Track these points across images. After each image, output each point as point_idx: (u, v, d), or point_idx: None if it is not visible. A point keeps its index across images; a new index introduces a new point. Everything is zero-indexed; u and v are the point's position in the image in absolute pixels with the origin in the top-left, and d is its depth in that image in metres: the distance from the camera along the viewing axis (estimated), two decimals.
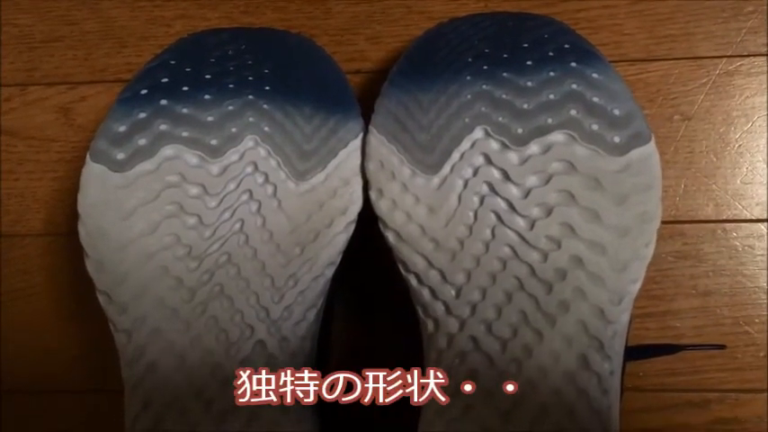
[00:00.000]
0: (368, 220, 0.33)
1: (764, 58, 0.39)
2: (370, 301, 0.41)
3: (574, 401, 0.29)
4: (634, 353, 0.37)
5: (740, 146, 0.39)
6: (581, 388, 0.29)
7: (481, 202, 0.31)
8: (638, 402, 0.38)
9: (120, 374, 0.32)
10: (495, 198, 0.31)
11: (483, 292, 0.30)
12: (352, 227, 0.33)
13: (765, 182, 0.38)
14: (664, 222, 0.39)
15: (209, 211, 0.32)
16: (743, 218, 0.39)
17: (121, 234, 0.31)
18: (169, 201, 0.32)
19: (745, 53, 0.39)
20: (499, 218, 0.31)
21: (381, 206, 0.32)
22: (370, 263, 0.39)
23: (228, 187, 0.32)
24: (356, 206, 0.33)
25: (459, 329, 0.30)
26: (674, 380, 0.38)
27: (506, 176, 0.31)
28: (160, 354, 0.30)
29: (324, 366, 0.36)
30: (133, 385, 0.31)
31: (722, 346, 0.38)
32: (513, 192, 0.31)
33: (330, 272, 0.33)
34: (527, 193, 0.31)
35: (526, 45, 0.33)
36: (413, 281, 0.32)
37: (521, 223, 0.31)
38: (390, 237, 0.32)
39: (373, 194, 0.32)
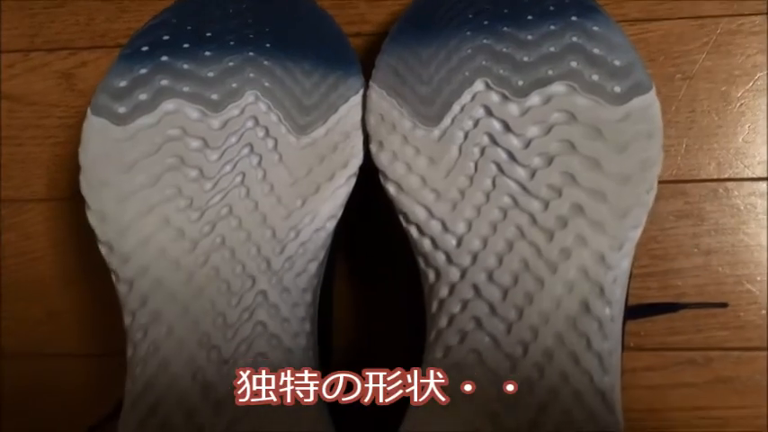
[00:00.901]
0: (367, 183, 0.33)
1: (765, 17, 0.39)
2: (371, 260, 0.41)
3: (576, 346, 0.29)
4: (636, 311, 0.37)
5: (742, 105, 0.39)
6: (582, 332, 0.29)
7: (482, 152, 0.31)
8: (640, 361, 0.38)
9: (123, 337, 0.32)
10: (496, 149, 0.31)
11: (484, 241, 0.30)
12: (353, 181, 0.33)
13: (767, 140, 0.38)
14: (665, 182, 0.39)
15: (211, 165, 0.32)
16: (744, 176, 0.38)
17: (123, 186, 0.31)
18: (170, 154, 0.32)
19: (747, 12, 0.39)
20: (500, 168, 0.31)
21: (382, 158, 0.32)
22: (370, 225, 0.39)
23: (229, 141, 0.33)
24: (357, 160, 0.33)
25: (461, 278, 0.30)
26: (675, 339, 0.38)
27: (507, 127, 0.31)
28: (163, 303, 0.30)
29: (326, 327, 0.36)
30: (137, 335, 0.31)
31: (724, 305, 0.38)
32: (514, 142, 0.31)
33: (331, 225, 0.33)
34: (528, 144, 0.31)
35: (526, 0, 0.33)
36: (414, 232, 0.32)
37: (521, 173, 0.31)
38: (391, 188, 0.32)
39: (374, 147, 0.32)
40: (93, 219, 0.32)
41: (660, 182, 0.38)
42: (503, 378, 0.29)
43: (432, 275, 0.31)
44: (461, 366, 0.29)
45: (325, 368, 0.35)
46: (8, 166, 0.43)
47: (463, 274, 0.30)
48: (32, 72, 0.43)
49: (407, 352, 0.35)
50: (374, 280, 0.40)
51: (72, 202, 0.43)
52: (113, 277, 0.31)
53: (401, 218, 0.32)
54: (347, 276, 0.40)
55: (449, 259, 0.31)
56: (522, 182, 0.31)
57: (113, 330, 0.41)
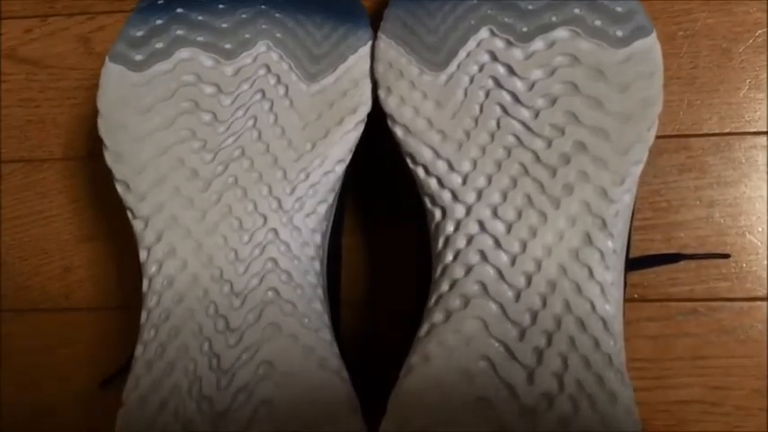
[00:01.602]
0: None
1: None
2: (379, 209, 0.41)
3: (578, 276, 0.29)
4: (639, 263, 0.38)
5: (743, 61, 0.39)
6: (585, 263, 0.29)
7: (487, 95, 0.32)
8: (643, 312, 0.39)
9: (137, 293, 0.33)
10: (501, 91, 0.32)
11: (489, 179, 0.31)
12: (362, 127, 0.34)
13: (767, 95, 0.39)
14: (668, 136, 0.40)
15: (224, 109, 0.33)
16: (746, 130, 0.39)
17: (139, 127, 0.33)
18: (185, 98, 0.33)
19: None
20: (504, 109, 0.32)
21: (390, 103, 0.33)
22: (377, 175, 0.40)
23: (242, 87, 0.34)
24: (365, 107, 0.34)
25: (466, 214, 0.31)
26: (678, 289, 0.39)
27: (511, 71, 0.32)
28: (177, 239, 0.31)
29: (334, 272, 0.37)
30: (152, 269, 0.32)
31: (726, 255, 0.39)
32: (518, 85, 0.32)
33: (340, 169, 0.34)
34: (531, 86, 0.32)
35: None
36: (420, 173, 0.32)
37: (525, 114, 0.32)
38: (399, 132, 0.33)
39: (382, 93, 0.33)
40: (109, 159, 0.33)
41: (663, 136, 0.39)
42: (508, 308, 0.29)
43: (438, 214, 0.32)
44: (467, 298, 0.30)
45: (333, 312, 0.35)
46: (26, 128, 0.44)
47: (468, 210, 0.31)
48: (51, 36, 0.45)
49: (415, 298, 0.36)
50: (382, 227, 0.41)
51: (88, 162, 0.44)
52: (129, 215, 0.32)
53: (408, 160, 0.33)
54: (355, 225, 0.41)
55: (454, 197, 0.32)
56: (526, 122, 0.32)
57: (127, 286, 0.42)
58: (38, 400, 0.42)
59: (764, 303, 0.38)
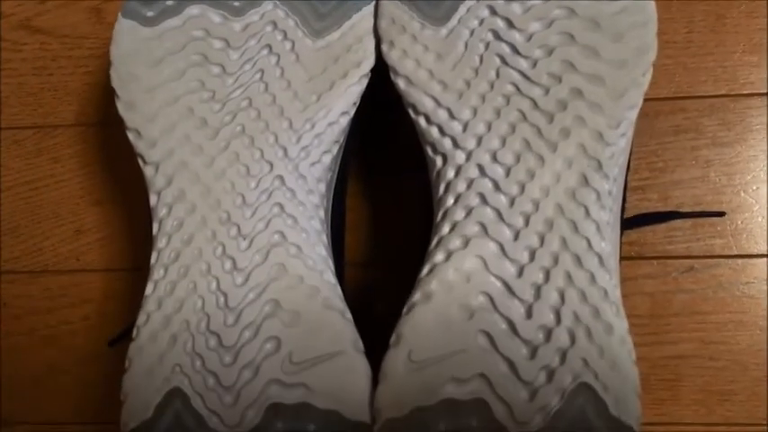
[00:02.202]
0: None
1: None
2: (382, 162, 0.42)
3: (575, 214, 0.30)
4: (636, 221, 0.39)
5: (737, 25, 0.41)
6: (581, 202, 0.30)
7: (486, 47, 0.33)
8: (641, 269, 0.40)
9: (146, 255, 0.34)
10: (500, 43, 0.33)
11: (488, 126, 0.32)
12: (366, 81, 0.35)
13: (765, 58, 0.40)
14: (664, 98, 0.41)
15: (232, 62, 0.34)
16: (740, 92, 0.40)
17: (150, 78, 0.34)
18: (194, 51, 0.34)
19: None
20: (503, 60, 0.33)
21: (392, 56, 0.34)
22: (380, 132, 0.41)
23: (250, 42, 0.35)
24: (369, 61, 0.35)
25: (467, 160, 0.32)
26: (675, 247, 0.40)
27: (510, 24, 0.33)
28: (187, 183, 0.33)
29: (339, 225, 0.38)
30: (161, 212, 0.33)
31: (721, 214, 0.39)
32: (517, 37, 0.33)
33: (344, 121, 0.35)
34: (530, 37, 0.33)
35: None
36: (422, 122, 0.33)
37: (523, 64, 0.33)
38: (401, 83, 0.34)
39: (385, 47, 0.34)
40: (121, 108, 0.34)
41: (659, 99, 0.40)
42: (506, 247, 0.30)
43: (439, 161, 0.33)
44: (467, 238, 0.31)
45: (338, 271, 0.36)
46: (39, 95, 0.46)
47: (469, 156, 0.32)
48: (64, 7, 0.46)
49: (416, 250, 0.36)
50: (383, 190, 0.42)
51: (100, 128, 0.45)
52: (140, 161, 0.33)
53: (410, 110, 0.34)
54: (357, 189, 0.42)
55: (455, 144, 0.33)
56: (525, 71, 0.33)
57: (137, 247, 0.43)
58: (50, 359, 0.43)
59: (759, 260, 0.39)
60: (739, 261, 0.39)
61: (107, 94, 0.45)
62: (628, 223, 0.39)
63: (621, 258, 0.34)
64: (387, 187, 0.42)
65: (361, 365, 0.31)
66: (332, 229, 0.37)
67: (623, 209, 0.35)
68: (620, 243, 0.34)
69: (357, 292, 0.41)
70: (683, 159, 0.40)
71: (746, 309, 0.39)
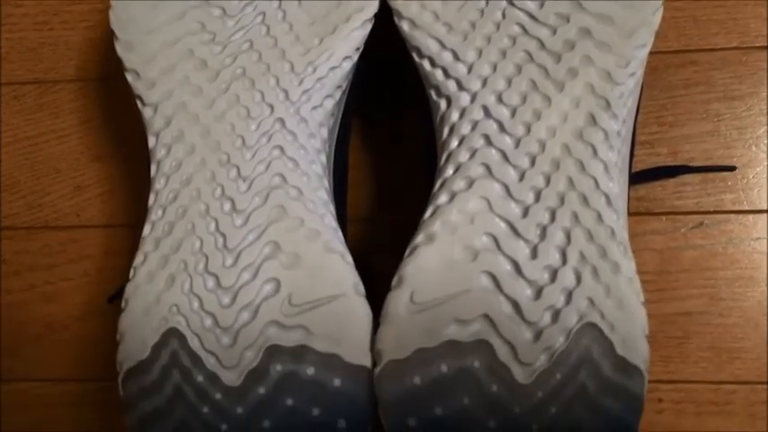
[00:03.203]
0: None
1: None
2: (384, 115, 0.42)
3: (582, 154, 0.29)
4: (644, 175, 0.38)
5: None
6: (588, 142, 0.30)
7: None
8: (649, 225, 0.39)
9: (142, 210, 0.33)
10: None
11: (494, 67, 0.31)
12: (369, 26, 0.34)
13: None
14: (675, 51, 0.40)
15: (233, 4, 0.34)
16: (752, 45, 0.39)
17: (150, 20, 0.33)
18: None
19: None
20: (510, 1, 0.32)
21: None
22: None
23: None
24: (372, 6, 0.34)
25: (471, 101, 0.31)
26: (684, 202, 0.39)
27: None
28: (186, 124, 0.32)
29: (341, 177, 0.37)
30: (160, 152, 0.32)
31: (732, 168, 0.39)
32: None
33: (347, 65, 0.34)
34: None
35: None
36: (426, 65, 0.33)
37: (530, 4, 0.32)
38: (405, 26, 0.33)
39: None
40: (120, 49, 0.33)
41: (669, 51, 0.39)
42: (511, 188, 0.30)
43: (443, 104, 0.32)
44: (471, 179, 0.30)
45: (340, 218, 0.36)
46: (40, 50, 0.45)
47: (473, 97, 0.31)
48: None
49: (419, 207, 0.36)
50: (385, 145, 0.41)
51: (101, 83, 0.45)
52: (138, 103, 0.33)
53: (414, 54, 0.33)
54: (359, 143, 0.41)
55: (459, 86, 0.32)
56: (532, 11, 0.32)
57: (138, 203, 0.43)
58: (49, 315, 0.43)
59: None
60: (750, 216, 0.39)
61: (108, 49, 0.45)
62: (636, 178, 0.38)
63: (630, 214, 0.34)
64: (389, 143, 0.42)
65: (363, 309, 0.30)
66: (334, 181, 0.36)
67: (631, 162, 0.35)
68: (629, 197, 0.33)
69: (359, 249, 0.41)
70: (693, 113, 0.39)
71: (757, 265, 0.38)
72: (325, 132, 0.34)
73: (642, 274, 0.38)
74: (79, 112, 0.44)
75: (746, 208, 0.39)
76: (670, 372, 0.38)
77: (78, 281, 0.43)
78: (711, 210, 0.39)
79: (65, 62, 0.45)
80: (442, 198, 0.30)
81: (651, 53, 0.39)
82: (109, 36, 0.35)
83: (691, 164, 0.39)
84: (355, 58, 0.35)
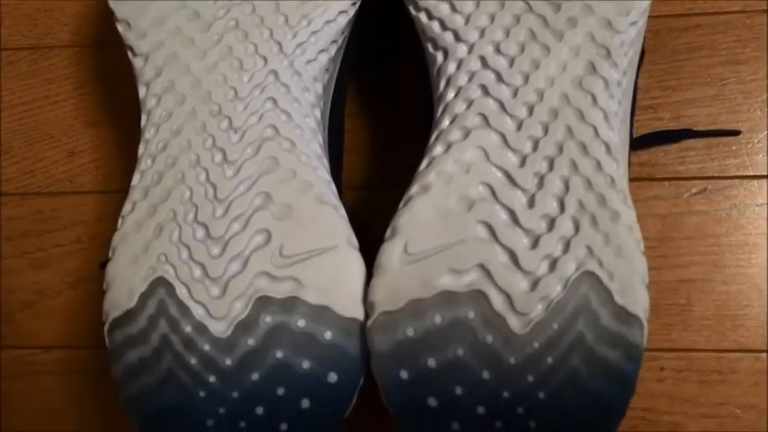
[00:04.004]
0: None
1: None
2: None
3: (581, 103, 0.29)
4: (647, 139, 0.37)
5: None
6: (588, 90, 0.29)
7: None
8: (652, 190, 0.38)
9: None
10: None
11: (491, 17, 0.31)
12: None
13: None
14: (678, 15, 0.39)
15: None
16: (756, 9, 0.38)
17: None
18: None
19: None
20: None
21: None
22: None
23: None
24: None
25: (468, 52, 0.31)
26: (687, 167, 0.38)
27: None
28: (177, 75, 0.31)
29: (337, 139, 0.36)
30: (150, 102, 0.31)
31: (737, 132, 0.38)
32: None
33: (342, 20, 0.34)
34: None
35: None
36: (423, 18, 0.32)
37: None
38: None
39: None
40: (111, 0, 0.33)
41: (672, 15, 0.38)
42: (508, 137, 0.29)
43: (440, 57, 0.32)
44: (467, 130, 0.29)
45: (336, 183, 0.35)
46: (35, 16, 0.45)
47: (471, 48, 0.31)
48: None
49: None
50: (381, 109, 0.41)
51: (95, 49, 0.44)
52: (129, 54, 0.32)
53: (410, 7, 0.33)
54: (356, 108, 0.41)
55: (456, 37, 0.31)
56: None
57: (130, 170, 0.42)
58: (40, 281, 0.42)
59: None
60: (755, 182, 0.38)
61: (103, 15, 0.44)
62: (638, 142, 0.37)
63: (631, 179, 0.33)
64: (385, 108, 0.41)
65: (355, 261, 0.29)
66: (330, 145, 0.36)
67: (632, 125, 0.34)
68: (630, 162, 0.33)
69: (354, 215, 0.40)
70: (696, 78, 0.39)
71: (761, 231, 0.37)
72: (319, 88, 0.33)
73: (646, 241, 0.37)
74: (74, 78, 0.44)
75: (751, 173, 0.38)
76: (672, 340, 0.37)
77: (71, 247, 0.42)
78: (715, 175, 0.38)
79: (60, 28, 0.44)
80: (438, 149, 0.30)
81: (654, 17, 0.39)
82: (104, 2, 0.34)
83: (694, 128, 0.38)
84: (351, 12, 0.34)
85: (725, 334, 0.37)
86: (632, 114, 0.33)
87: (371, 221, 0.39)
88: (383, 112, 0.41)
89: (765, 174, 0.38)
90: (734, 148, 0.38)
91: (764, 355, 0.36)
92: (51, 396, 0.41)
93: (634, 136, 0.35)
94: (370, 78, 0.41)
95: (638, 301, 0.27)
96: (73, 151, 0.43)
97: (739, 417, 0.36)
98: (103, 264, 0.40)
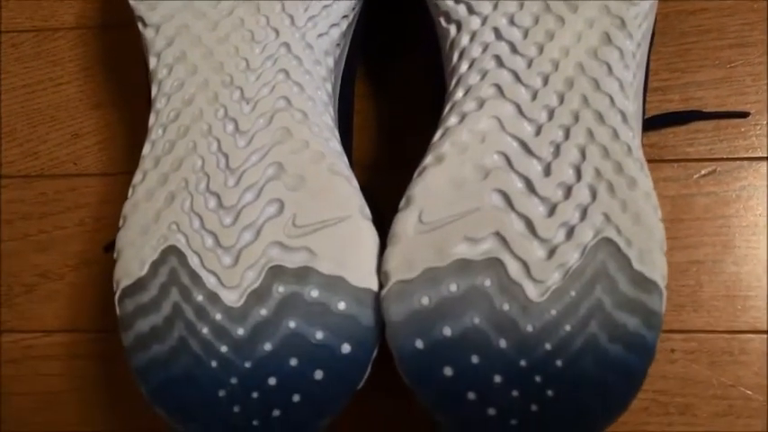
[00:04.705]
0: None
1: None
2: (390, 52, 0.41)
3: (597, 72, 0.29)
4: (656, 121, 0.37)
5: None
6: (603, 60, 0.29)
7: None
8: (661, 172, 0.38)
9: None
10: None
11: None
12: None
13: None
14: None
15: None
16: None
17: None
18: None
19: None
20: None
21: None
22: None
23: None
24: None
25: (482, 24, 0.30)
26: (697, 149, 0.38)
27: None
28: (188, 45, 0.31)
29: (347, 116, 0.36)
30: (161, 72, 0.31)
31: (746, 114, 0.38)
32: None
33: None
34: None
35: None
36: None
37: None
38: None
39: None
40: None
41: None
42: (524, 107, 0.29)
43: (453, 30, 0.31)
44: (482, 100, 0.29)
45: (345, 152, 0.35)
46: None
47: (484, 20, 0.31)
48: None
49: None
50: (393, 91, 0.41)
51: (100, 31, 0.44)
52: (140, 25, 0.32)
53: None
54: (366, 91, 0.41)
55: (470, 10, 0.31)
56: None
57: (135, 152, 0.41)
58: (42, 264, 0.42)
59: None
60: (764, 163, 0.38)
61: None
62: (648, 124, 0.37)
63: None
64: (395, 88, 0.41)
65: (369, 231, 0.29)
66: (340, 124, 0.35)
67: (644, 108, 0.34)
68: (641, 144, 0.32)
69: (363, 194, 0.39)
70: (705, 60, 0.39)
71: None
72: (330, 62, 0.33)
73: None
74: (78, 60, 0.44)
75: (760, 155, 0.38)
76: (682, 321, 0.37)
77: (74, 230, 0.42)
78: (724, 157, 0.38)
79: (64, 10, 0.44)
80: (452, 120, 0.29)
81: (663, 0, 0.39)
82: None
83: (703, 110, 0.38)
84: None
85: (735, 315, 0.37)
86: (644, 92, 0.33)
87: (382, 200, 0.39)
88: (393, 92, 0.41)
89: None
90: (743, 129, 0.38)
91: None
92: (52, 380, 0.40)
93: (644, 117, 0.35)
94: (380, 58, 0.41)
95: (656, 267, 0.26)
96: (77, 133, 0.43)
97: (750, 398, 0.36)
98: (107, 247, 0.40)
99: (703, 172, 0.38)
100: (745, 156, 0.38)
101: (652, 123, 0.38)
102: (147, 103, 0.33)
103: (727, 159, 0.38)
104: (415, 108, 0.40)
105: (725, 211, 0.38)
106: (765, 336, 0.36)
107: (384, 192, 0.39)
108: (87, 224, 0.42)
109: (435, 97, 0.34)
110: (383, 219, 0.31)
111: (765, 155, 0.38)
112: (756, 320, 0.36)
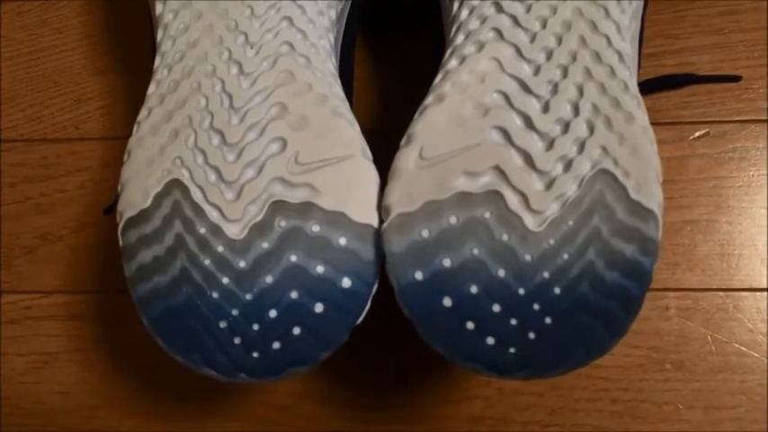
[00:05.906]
0: None
1: None
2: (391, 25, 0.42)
3: (594, 15, 0.29)
4: (650, 84, 0.38)
5: None
6: (600, 4, 0.30)
7: None
8: (656, 134, 0.38)
9: None
10: None
11: None
12: None
13: None
14: None
15: None
16: None
17: None
18: None
19: None
20: None
21: None
22: None
23: None
24: None
25: None
26: (690, 112, 0.39)
27: None
28: (192, 20, 0.32)
29: (347, 79, 0.37)
30: (167, 17, 0.32)
31: (738, 78, 0.39)
32: None
33: None
34: None
35: None
36: None
37: None
38: None
39: None
40: None
41: None
42: (522, 49, 0.29)
43: (455, 6, 0.32)
44: (482, 43, 0.30)
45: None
46: None
47: None
48: None
49: None
50: (393, 56, 0.41)
51: None
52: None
53: None
54: (366, 57, 0.41)
55: None
56: None
57: (136, 116, 0.42)
58: (42, 226, 0.42)
59: None
60: (755, 126, 0.38)
61: None
62: (642, 88, 0.37)
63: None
64: (395, 52, 0.41)
65: (370, 170, 0.30)
66: (341, 78, 0.36)
67: (639, 65, 0.35)
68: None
69: None
70: (698, 27, 0.40)
71: (763, 173, 0.38)
72: (333, 15, 0.34)
73: None
74: (83, 28, 0.44)
75: (752, 117, 0.38)
76: (677, 279, 0.37)
77: (74, 192, 0.42)
78: (717, 119, 0.39)
79: None
80: (452, 62, 0.30)
81: None
82: None
83: (697, 74, 0.39)
84: None
85: (729, 273, 0.37)
86: (640, 45, 0.34)
87: (379, 167, 0.39)
88: (391, 59, 0.41)
89: (765, 118, 0.38)
90: (735, 93, 0.39)
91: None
92: (51, 341, 0.40)
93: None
94: (381, 23, 0.41)
95: (653, 196, 0.27)
96: (80, 99, 0.43)
97: (745, 354, 0.36)
98: (107, 209, 0.40)
99: (697, 134, 0.39)
100: (738, 118, 0.38)
101: (647, 87, 0.38)
102: (149, 70, 0.33)
103: (720, 122, 0.39)
104: (415, 72, 0.40)
105: (718, 172, 0.38)
106: (759, 293, 0.37)
107: (384, 155, 0.40)
108: (87, 187, 0.42)
109: (434, 65, 0.34)
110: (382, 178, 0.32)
111: (757, 117, 0.38)
112: (750, 278, 0.37)
